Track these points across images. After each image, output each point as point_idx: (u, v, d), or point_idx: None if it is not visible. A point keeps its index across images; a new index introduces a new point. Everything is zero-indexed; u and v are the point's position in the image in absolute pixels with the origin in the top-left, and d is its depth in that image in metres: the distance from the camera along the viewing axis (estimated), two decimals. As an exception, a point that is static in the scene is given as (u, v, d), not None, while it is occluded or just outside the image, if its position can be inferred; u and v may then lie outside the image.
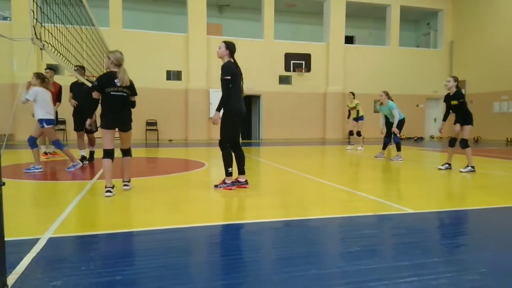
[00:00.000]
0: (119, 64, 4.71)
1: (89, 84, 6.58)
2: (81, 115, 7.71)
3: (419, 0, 20.08)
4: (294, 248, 2.88)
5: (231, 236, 3.27)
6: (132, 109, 5.16)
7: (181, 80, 17.40)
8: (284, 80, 18.74)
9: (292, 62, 18.36)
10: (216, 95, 17.68)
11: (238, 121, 5.17)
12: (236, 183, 5.33)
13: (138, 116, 17.22)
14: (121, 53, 4.79)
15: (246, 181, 5.36)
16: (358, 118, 12.31)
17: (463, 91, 7.87)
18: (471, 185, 6.01)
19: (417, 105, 20.57)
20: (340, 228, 3.59)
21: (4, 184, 2.04)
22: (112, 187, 4.84)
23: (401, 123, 9.31)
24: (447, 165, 7.53)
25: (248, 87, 17.95)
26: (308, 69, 18.48)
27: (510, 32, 17.44)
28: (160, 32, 17.22)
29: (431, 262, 2.61)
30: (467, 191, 5.68)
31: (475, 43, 19.34)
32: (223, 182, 5.26)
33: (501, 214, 4.09)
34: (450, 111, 7.50)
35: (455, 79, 7.38)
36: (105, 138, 5.00)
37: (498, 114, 18.15)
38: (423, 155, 11.45)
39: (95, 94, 4.77)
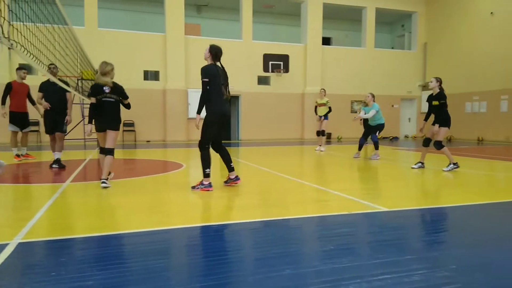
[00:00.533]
0: (103, 73, 5.49)
1: (62, 84, 6.43)
2: (53, 116, 7.41)
3: (394, 3, 20.51)
4: (270, 248, 2.89)
5: (208, 237, 3.26)
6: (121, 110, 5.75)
7: (159, 80, 17.20)
8: (262, 80, 18.79)
9: (270, 62, 18.43)
10: (195, 95, 17.57)
11: (221, 123, 5.23)
12: (228, 180, 5.54)
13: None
14: (106, 63, 5.58)
15: (236, 176, 5.52)
16: (326, 116, 11.99)
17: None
18: (443, 184, 6.18)
19: (392, 106, 20.99)
20: (316, 228, 3.62)
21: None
22: (107, 179, 5.43)
23: (381, 127, 9.63)
24: (420, 164, 7.71)
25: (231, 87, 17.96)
26: (286, 69, 18.59)
27: (481, 34, 18.02)
28: (137, 32, 16.97)
29: (403, 259, 2.66)
30: (439, 189, 5.83)
31: (447, 45, 19.89)
32: (201, 183, 5.25)
33: (471, 212, 4.22)
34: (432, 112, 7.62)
35: (438, 79, 7.54)
36: (101, 139, 5.69)
37: (470, 114, 18.73)
38: (398, 154, 11.70)
39: (92, 99, 5.49)
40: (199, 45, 17.59)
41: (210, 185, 5.22)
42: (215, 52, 5.20)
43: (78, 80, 12.01)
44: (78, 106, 13.70)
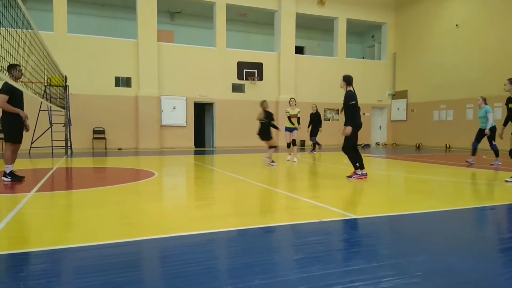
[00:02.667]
0: None
1: (23, 89, 6.13)
2: (20, 123, 6.60)
3: (364, 14, 21.07)
4: (239, 258, 2.87)
5: (176, 249, 3.20)
6: None
7: (131, 87, 16.93)
8: (237, 88, 18.83)
9: (244, 70, 18.51)
10: (167, 102, 17.39)
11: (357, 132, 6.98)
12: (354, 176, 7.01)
13: (84, 123, 16.56)
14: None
15: (366, 173, 7.03)
16: (294, 128, 11.59)
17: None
18: (413, 191, 6.33)
19: (364, 114, 21.44)
20: (287, 236, 3.63)
21: None
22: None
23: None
24: None
25: (201, 95, 17.88)
26: (260, 77, 18.70)
27: (447, 45, 18.75)
28: (108, 38, 16.68)
29: (371, 267, 2.70)
30: (409, 196, 5.97)
31: (416, 55, 20.58)
32: (355, 173, 7.00)
33: (438, 218, 4.34)
34: None
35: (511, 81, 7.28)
36: None
37: (437, 122, 19.37)
38: (370, 162, 11.92)
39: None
40: (172, 51, 17.49)
41: (362, 174, 6.97)
42: (349, 80, 7.09)
43: (45, 86, 11.66)
44: (46, 112, 13.30)
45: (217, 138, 18.61)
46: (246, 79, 18.54)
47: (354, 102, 6.87)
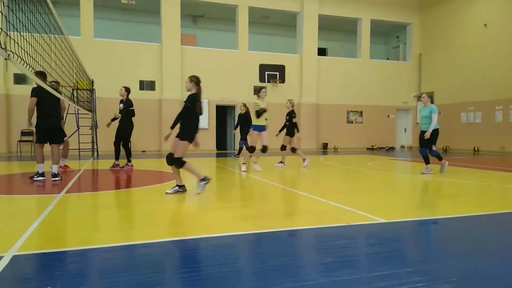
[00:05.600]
0: None
1: (60, 96, 6.38)
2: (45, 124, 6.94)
3: (389, 14, 20.76)
4: (267, 261, 2.85)
5: (202, 250, 3.21)
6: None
7: (154, 90, 17.20)
8: (258, 91, 18.81)
9: (266, 73, 18.51)
10: (190, 105, 17.55)
11: None
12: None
13: (110, 126, 16.83)
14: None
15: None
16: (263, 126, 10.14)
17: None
18: (441, 194, 6.17)
19: (388, 116, 21.12)
20: (314, 240, 3.59)
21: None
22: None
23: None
24: None
25: (223, 97, 17.98)
26: (282, 80, 18.67)
27: (475, 46, 18.26)
28: (133, 42, 17.01)
29: (403, 272, 2.64)
30: (437, 200, 5.82)
31: (442, 56, 20.12)
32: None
33: (467, 223, 4.21)
34: None
35: None
36: None
37: (465, 125, 18.86)
38: (394, 165, 11.70)
39: None
40: (195, 55, 17.68)
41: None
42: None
43: (73, 90, 11.97)
44: (73, 116, 13.65)
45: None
46: (268, 81, 18.54)
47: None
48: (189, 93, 5.69)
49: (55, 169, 6.95)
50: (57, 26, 6.12)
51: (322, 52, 20.96)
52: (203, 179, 5.62)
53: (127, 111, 8.61)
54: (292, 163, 11.75)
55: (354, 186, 7.05)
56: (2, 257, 2.82)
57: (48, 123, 6.80)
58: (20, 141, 15.05)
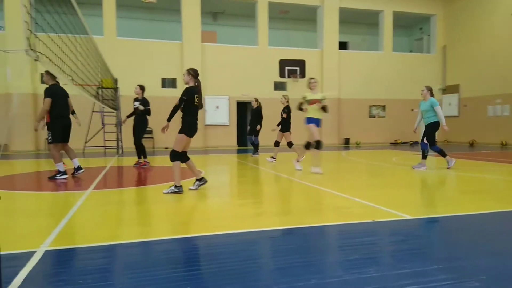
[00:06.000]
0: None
1: (85, 94, 6.54)
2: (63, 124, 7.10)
3: (411, 6, 20.28)
4: (291, 257, 2.85)
5: (229, 246, 3.24)
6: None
7: (176, 87, 17.39)
8: (279, 86, 18.79)
9: (286, 68, 18.42)
10: (211, 102, 17.68)
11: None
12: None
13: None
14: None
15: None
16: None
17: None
18: (468, 190, 6.02)
19: (412, 110, 20.68)
20: (338, 236, 3.57)
21: (-1, 198, 2.01)
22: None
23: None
24: None
25: (243, 94, 18.02)
26: (302, 75, 18.54)
27: (501, 36, 17.64)
28: (155, 40, 17.22)
29: (431, 269, 2.59)
30: (464, 195, 5.68)
31: (467, 47, 19.53)
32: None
33: (498, 219, 4.09)
34: None
35: None
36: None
37: (492, 118, 18.28)
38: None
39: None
40: (215, 52, 17.76)
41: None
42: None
43: (98, 88, 12.23)
44: (99, 114, 13.96)
45: (260, 136, 18.66)
46: (288, 77, 18.45)
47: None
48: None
49: (76, 163, 7.24)
50: (82, 26, 6.25)
51: (343, 46, 20.67)
52: (177, 187, 5.48)
53: (145, 110, 8.65)
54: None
55: (378, 182, 6.96)
56: (35, 252, 2.93)
57: (63, 123, 6.94)
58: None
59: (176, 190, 5.44)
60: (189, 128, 5.47)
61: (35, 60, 2.84)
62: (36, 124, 7.12)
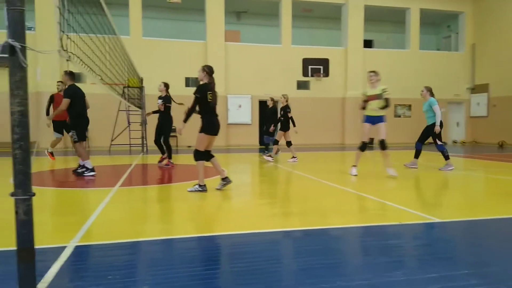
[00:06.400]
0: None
1: (115, 94, 6.67)
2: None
3: (439, 3, 19.78)
4: (318, 258, 2.83)
5: (254, 245, 3.25)
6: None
7: (199, 86, 17.53)
8: (302, 85, 18.69)
9: (310, 67, 18.28)
10: (234, 101, 17.76)
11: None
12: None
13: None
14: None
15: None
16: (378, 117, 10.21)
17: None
18: (497, 193, 5.83)
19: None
20: (364, 238, 3.52)
21: (34, 194, 2.07)
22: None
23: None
24: None
25: (266, 93, 18.00)
26: (326, 74, 18.37)
27: (535, 34, 16.97)
28: (179, 40, 17.43)
29: (460, 274, 2.52)
30: (494, 198, 5.50)
31: (498, 45, 18.89)
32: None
33: (532, 223, 3.94)
34: None
35: None
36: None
37: (523, 118, 17.62)
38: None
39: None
40: (238, 51, 17.82)
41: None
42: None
43: (124, 87, 12.47)
44: (124, 112, 14.24)
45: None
46: (312, 75, 18.31)
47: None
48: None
49: (82, 162, 7.40)
50: (110, 26, 6.39)
51: (368, 44, 20.35)
52: (200, 186, 5.49)
53: (165, 107, 8.74)
54: (332, 159, 11.62)
55: (404, 183, 6.82)
56: (65, 247, 3.01)
57: (85, 122, 7.19)
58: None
59: (200, 189, 5.47)
60: (208, 126, 5.41)
61: (67, 60, 2.92)
62: (48, 122, 7.60)
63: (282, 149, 12.85)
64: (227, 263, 2.84)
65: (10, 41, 2.01)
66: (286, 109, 10.26)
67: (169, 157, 8.74)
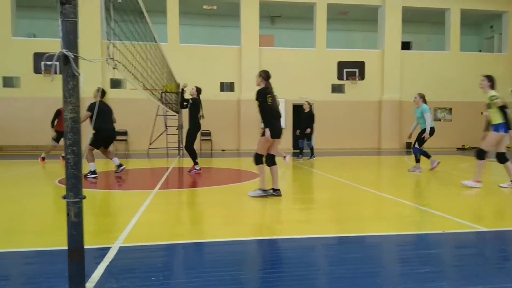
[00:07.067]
0: None
1: (156, 101, 6.87)
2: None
3: (481, 3, 18.98)
4: (356, 266, 2.78)
5: (288, 251, 3.23)
6: None
7: (233, 91, 17.73)
8: (337, 88, 18.47)
9: (345, 70, 18.04)
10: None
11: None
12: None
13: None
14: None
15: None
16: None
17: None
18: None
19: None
20: (406, 247, 3.41)
21: (85, 197, 2.17)
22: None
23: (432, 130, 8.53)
24: None
25: (300, 96, 17.92)
26: (362, 77, 18.06)
27: None
28: (214, 46, 17.71)
29: (510, 287, 2.40)
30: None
31: (547, 45, 17.87)
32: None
33: None
34: None
35: None
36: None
37: None
38: (491, 167, 10.69)
39: None
40: (272, 55, 17.86)
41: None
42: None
43: (162, 93, 12.80)
44: (162, 117, 14.62)
45: (316, 139, 18.46)
46: (347, 79, 18.06)
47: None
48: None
49: (116, 161, 7.90)
50: (151, 34, 6.60)
51: (406, 46, 19.81)
52: (264, 190, 5.43)
53: (184, 101, 8.76)
54: (359, 163, 11.40)
55: (445, 190, 6.58)
56: (110, 248, 3.12)
57: (103, 135, 7.62)
58: (115, 140, 16.58)
59: (263, 194, 5.39)
60: (271, 129, 5.36)
61: (113, 68, 3.04)
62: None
63: (318, 153, 12.72)
64: (267, 268, 2.84)
65: (64, 51, 2.12)
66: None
67: (194, 162, 8.51)
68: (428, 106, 8.66)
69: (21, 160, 11.90)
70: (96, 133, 7.55)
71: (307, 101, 12.19)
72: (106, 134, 7.72)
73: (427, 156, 8.77)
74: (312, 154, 12.21)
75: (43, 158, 10.58)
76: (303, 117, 12.17)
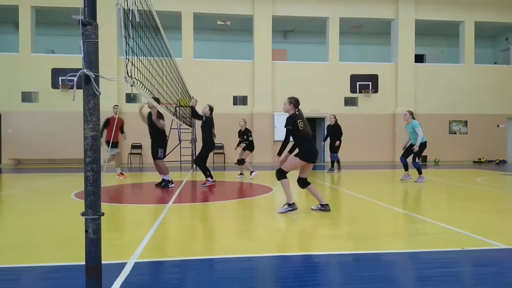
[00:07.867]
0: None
1: (167, 113, 6.96)
2: (151, 144, 8.48)
3: (495, 15, 18.85)
4: (377, 285, 2.73)
5: (302, 267, 3.20)
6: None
7: (246, 105, 17.84)
8: (349, 101, 18.43)
9: (358, 83, 18.04)
10: (280, 118, 17.82)
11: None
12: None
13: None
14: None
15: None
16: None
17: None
18: None
19: (498, 126, 19.05)
20: (425, 265, 3.34)
21: (103, 214, 2.19)
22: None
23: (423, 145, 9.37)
24: None
25: (312, 110, 17.93)
26: (375, 90, 18.02)
27: None
28: (228, 60, 17.92)
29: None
30: None
31: None
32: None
33: None
34: None
35: None
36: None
37: None
38: (509, 181, 10.47)
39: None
40: (285, 69, 17.97)
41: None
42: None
43: (176, 107, 12.94)
44: (176, 130, 14.75)
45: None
46: (360, 92, 18.03)
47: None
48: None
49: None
50: (167, 49, 6.72)
51: (419, 58, 19.73)
52: (290, 205, 5.42)
53: (193, 111, 8.74)
54: (365, 177, 11.27)
55: (463, 205, 6.45)
56: (126, 263, 3.14)
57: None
58: (131, 153, 16.73)
59: (290, 208, 5.40)
60: (305, 153, 5.37)
61: (131, 85, 3.10)
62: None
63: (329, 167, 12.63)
64: (278, 285, 2.81)
65: (85, 71, 2.18)
66: (248, 132, 10.56)
67: (205, 175, 8.50)
68: (418, 121, 9.37)
69: (38, 174, 12.11)
70: (165, 142, 8.41)
71: (333, 114, 12.50)
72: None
73: (406, 168, 9.63)
74: (338, 167, 12.38)
75: (122, 173, 10.55)
76: (329, 130, 12.41)
